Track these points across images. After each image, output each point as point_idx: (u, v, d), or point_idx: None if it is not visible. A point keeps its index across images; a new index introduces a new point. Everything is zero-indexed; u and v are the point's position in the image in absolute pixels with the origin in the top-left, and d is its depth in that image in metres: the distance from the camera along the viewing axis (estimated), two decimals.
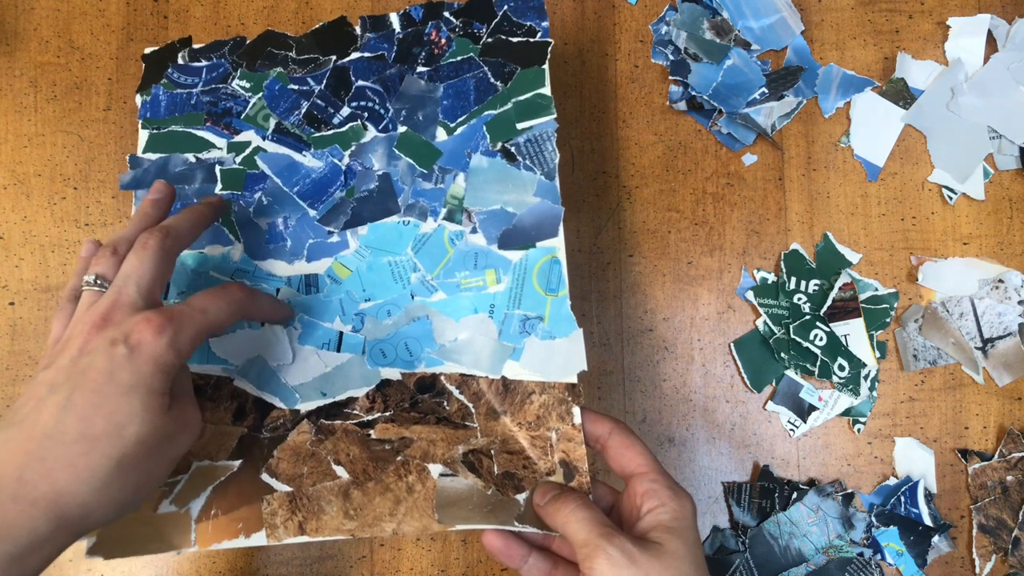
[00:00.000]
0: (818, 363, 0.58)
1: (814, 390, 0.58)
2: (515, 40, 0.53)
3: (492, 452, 0.47)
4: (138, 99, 0.55)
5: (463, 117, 0.52)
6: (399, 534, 0.45)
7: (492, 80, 0.52)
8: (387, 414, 0.48)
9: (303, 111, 0.54)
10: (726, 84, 0.60)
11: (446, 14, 0.54)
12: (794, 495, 0.57)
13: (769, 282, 0.59)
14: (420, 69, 0.53)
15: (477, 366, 0.48)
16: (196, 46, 0.56)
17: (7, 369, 0.58)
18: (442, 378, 0.48)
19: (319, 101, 0.54)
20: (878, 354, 0.58)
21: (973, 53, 0.62)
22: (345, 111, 0.53)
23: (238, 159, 0.53)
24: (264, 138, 0.54)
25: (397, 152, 0.52)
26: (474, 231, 0.50)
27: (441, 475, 0.46)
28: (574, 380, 0.47)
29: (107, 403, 0.36)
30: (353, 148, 0.53)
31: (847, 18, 0.62)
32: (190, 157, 0.53)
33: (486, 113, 0.52)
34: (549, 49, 0.52)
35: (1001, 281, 0.59)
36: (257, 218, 0.52)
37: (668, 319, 0.59)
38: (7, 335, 0.58)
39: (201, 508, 0.46)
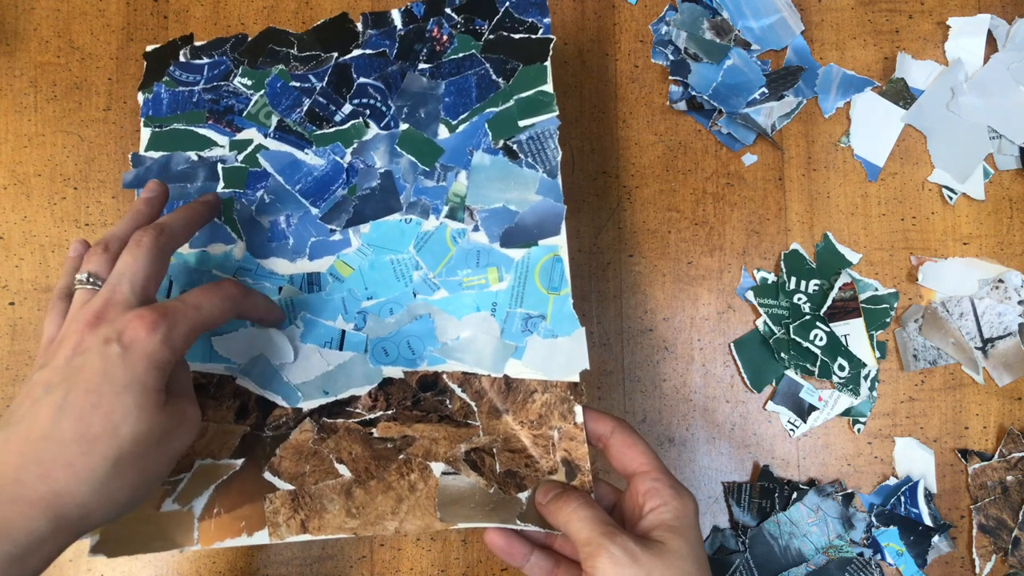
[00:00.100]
0: (818, 363, 0.58)
1: (814, 390, 0.58)
2: (517, 37, 0.53)
3: (494, 450, 0.47)
4: (140, 97, 0.56)
5: (465, 114, 0.52)
6: (401, 532, 0.45)
7: (494, 77, 0.53)
8: (389, 412, 0.48)
9: (305, 108, 0.54)
10: (726, 84, 0.60)
11: (448, 10, 0.55)
12: (794, 495, 0.57)
13: (769, 282, 0.59)
14: (422, 66, 0.54)
15: (479, 364, 0.48)
16: (198, 43, 0.57)
17: (7, 369, 0.58)
18: (444, 376, 0.49)
19: (321, 98, 0.54)
20: (878, 354, 0.58)
21: (973, 53, 0.62)
22: (347, 108, 0.54)
23: (240, 157, 0.54)
24: (266, 136, 0.54)
25: (399, 150, 0.52)
26: (476, 229, 0.50)
27: (443, 473, 0.46)
28: (576, 379, 0.47)
29: (103, 402, 0.36)
30: (355, 146, 0.53)
31: (847, 18, 0.62)
32: (192, 155, 0.54)
33: (488, 110, 0.52)
34: (551, 46, 0.52)
35: (1001, 281, 0.59)
36: (259, 216, 0.52)
37: (668, 319, 0.59)
38: (7, 335, 0.58)
39: (204, 506, 0.46)
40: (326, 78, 0.54)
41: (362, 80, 0.54)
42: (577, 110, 0.61)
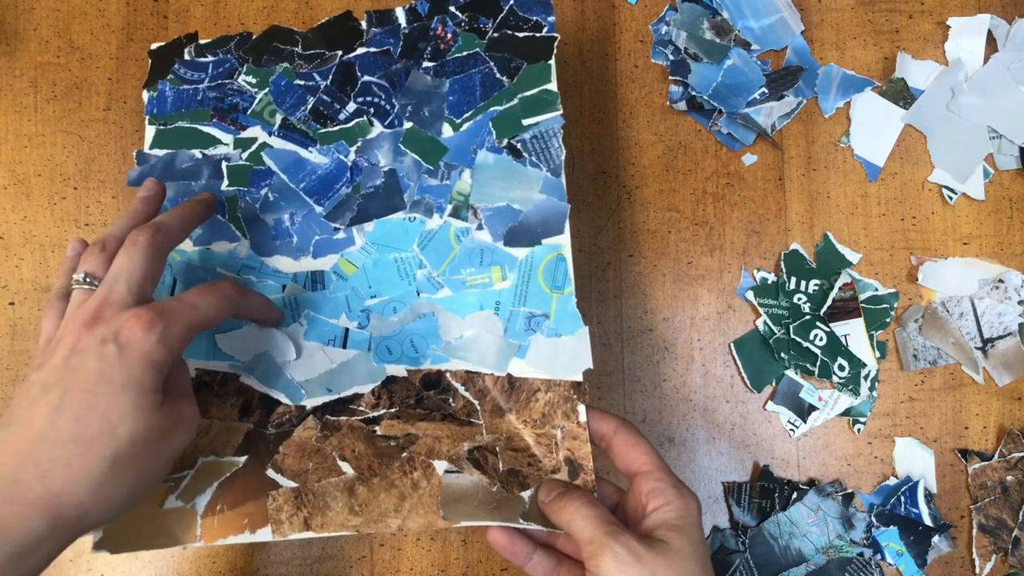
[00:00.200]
0: (818, 363, 0.58)
1: (814, 390, 0.58)
2: (521, 35, 0.54)
3: (497, 449, 0.47)
4: (145, 94, 0.56)
5: (469, 113, 0.53)
6: (404, 530, 0.45)
7: (498, 75, 0.53)
8: (393, 410, 0.49)
9: (309, 107, 0.54)
10: (726, 84, 0.60)
11: (452, 9, 0.55)
12: (794, 495, 0.57)
13: (769, 282, 0.59)
14: (426, 64, 0.54)
15: (483, 363, 0.49)
16: (202, 41, 0.58)
17: (7, 369, 0.58)
18: (448, 375, 0.49)
19: (325, 97, 0.55)
20: (878, 354, 0.58)
21: (973, 53, 0.63)
22: (351, 107, 0.54)
23: (244, 155, 0.54)
24: (270, 134, 0.54)
25: (403, 148, 0.53)
26: (480, 228, 0.51)
27: (446, 472, 0.47)
28: (579, 378, 0.48)
29: (99, 403, 0.36)
30: (359, 144, 0.53)
31: (847, 18, 0.62)
32: (196, 153, 0.54)
33: (492, 109, 0.52)
34: (556, 44, 0.53)
35: (1001, 281, 0.59)
36: (263, 214, 0.53)
37: (668, 319, 0.59)
38: (7, 335, 0.58)
39: (207, 503, 0.46)
40: (330, 76, 0.55)
41: (366, 78, 0.54)
42: (577, 110, 0.62)
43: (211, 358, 0.50)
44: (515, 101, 0.52)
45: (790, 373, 0.59)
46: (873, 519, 0.58)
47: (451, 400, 0.49)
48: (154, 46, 0.58)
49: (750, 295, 0.60)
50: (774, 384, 0.60)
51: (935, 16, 0.64)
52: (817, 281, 0.60)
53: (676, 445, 0.59)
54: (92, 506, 0.36)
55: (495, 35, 0.54)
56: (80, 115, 0.61)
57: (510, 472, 0.47)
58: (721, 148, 0.62)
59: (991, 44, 0.64)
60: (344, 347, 0.50)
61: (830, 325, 0.59)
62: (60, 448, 0.35)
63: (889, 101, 0.63)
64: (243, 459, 0.47)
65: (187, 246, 0.52)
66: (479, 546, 0.58)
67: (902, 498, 0.58)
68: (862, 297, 0.60)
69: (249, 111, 0.55)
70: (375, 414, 0.48)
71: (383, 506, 0.46)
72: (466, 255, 0.50)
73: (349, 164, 0.53)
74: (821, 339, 0.59)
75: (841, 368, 0.59)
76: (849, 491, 0.58)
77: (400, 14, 0.56)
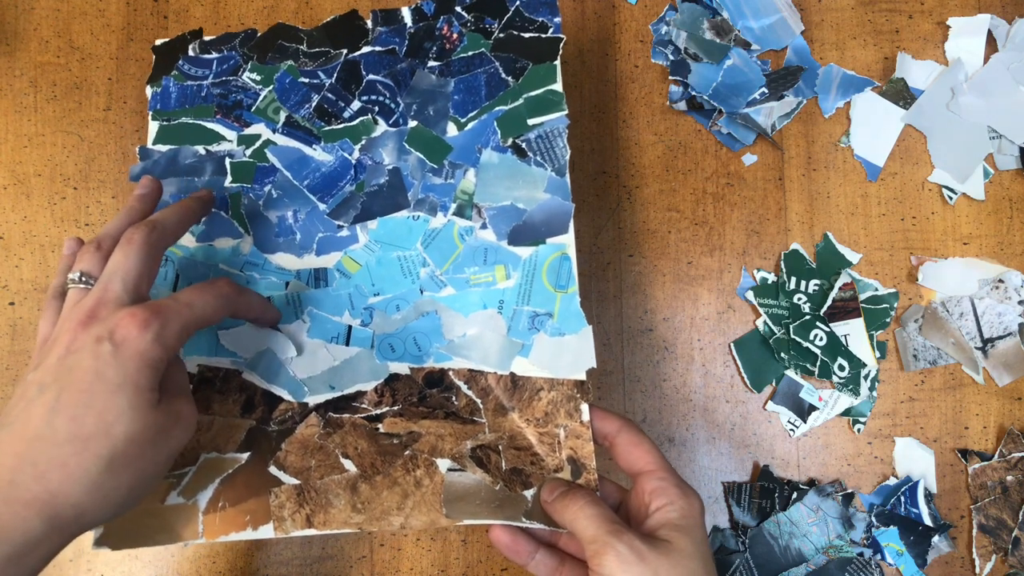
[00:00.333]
0: (818, 363, 0.58)
1: (814, 390, 0.58)
2: (527, 36, 0.54)
3: (500, 448, 0.48)
4: (148, 90, 0.57)
5: (474, 112, 0.53)
6: (407, 528, 0.45)
7: (503, 75, 0.54)
8: (395, 408, 0.49)
9: (313, 104, 0.55)
10: (726, 84, 0.60)
11: (458, 8, 0.56)
12: (794, 495, 0.57)
13: (769, 282, 0.59)
14: (431, 64, 0.55)
15: (486, 362, 0.49)
16: (207, 38, 0.58)
17: (7, 369, 0.58)
18: (450, 373, 0.50)
19: (329, 95, 0.55)
20: (878, 354, 0.58)
21: (973, 53, 0.63)
22: (356, 105, 0.55)
23: (248, 152, 0.55)
24: (274, 131, 0.55)
25: (407, 147, 0.53)
26: (484, 227, 0.51)
27: (449, 470, 0.47)
28: (583, 377, 0.48)
29: (96, 402, 0.36)
30: (363, 142, 0.54)
31: (847, 18, 0.62)
32: (200, 149, 0.55)
33: (497, 108, 0.53)
34: (561, 45, 0.53)
35: (1001, 281, 0.59)
36: (267, 211, 0.53)
37: (668, 319, 0.58)
38: (7, 335, 0.58)
39: (209, 500, 0.47)
40: (335, 74, 0.55)
41: (371, 77, 0.55)
42: (577, 110, 0.62)
43: (214, 354, 0.50)
44: (520, 101, 0.53)
45: (790, 373, 0.59)
46: (873, 519, 0.58)
47: (454, 398, 0.49)
48: (158, 42, 0.58)
49: (750, 295, 0.60)
50: (774, 384, 0.60)
51: (935, 16, 0.64)
52: (817, 281, 0.60)
53: (676, 445, 0.59)
54: (89, 506, 0.36)
55: (501, 35, 0.54)
56: (80, 115, 0.62)
57: (513, 471, 0.47)
58: (721, 148, 0.62)
59: (991, 44, 0.64)
60: (347, 344, 0.50)
61: (830, 325, 0.59)
62: (56, 448, 0.35)
63: (889, 101, 0.63)
64: (245, 456, 0.48)
65: (190, 242, 0.53)
66: (479, 546, 0.58)
67: (902, 498, 0.58)
68: (862, 297, 0.60)
69: (253, 108, 0.55)
70: (378, 412, 0.49)
71: (386, 504, 0.46)
72: (470, 254, 0.51)
73: (353, 162, 0.53)
74: (821, 339, 0.59)
75: (841, 368, 0.59)
76: (849, 491, 0.58)
77: (406, 13, 0.56)
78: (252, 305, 0.46)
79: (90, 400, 0.36)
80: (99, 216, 0.61)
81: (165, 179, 0.54)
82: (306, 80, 0.55)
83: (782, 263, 0.61)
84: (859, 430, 0.59)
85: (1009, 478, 0.59)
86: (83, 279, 0.41)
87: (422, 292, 0.50)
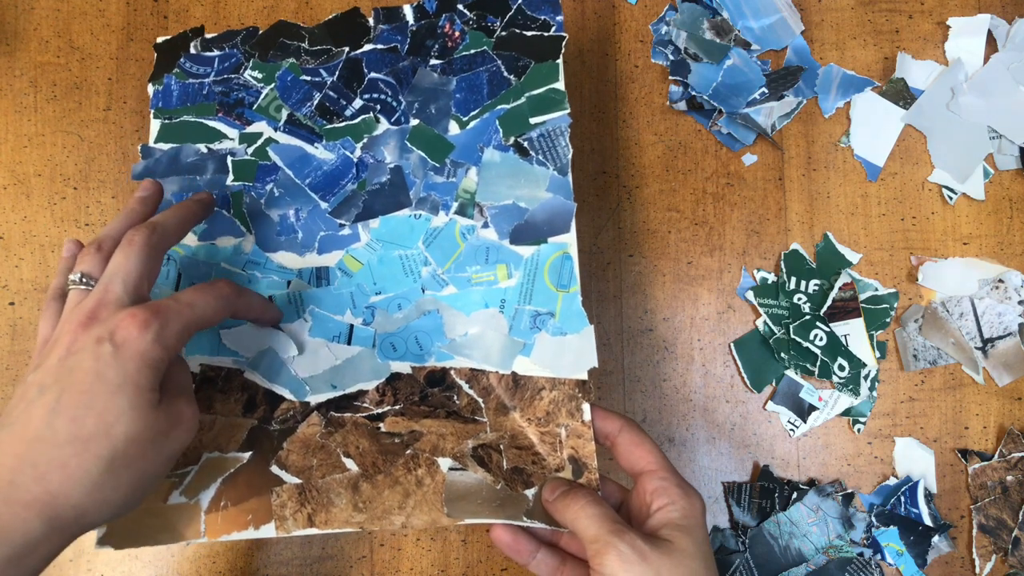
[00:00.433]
0: (818, 363, 0.58)
1: (814, 390, 0.58)
2: (529, 34, 0.54)
3: (501, 447, 0.48)
4: (150, 88, 0.57)
5: (476, 111, 0.53)
6: (408, 527, 0.45)
7: (505, 74, 0.54)
8: (397, 407, 0.49)
9: (315, 102, 0.55)
10: (726, 84, 0.61)
11: (460, 7, 0.56)
12: (794, 495, 0.57)
13: (769, 282, 0.59)
14: (433, 62, 0.55)
15: (487, 361, 0.50)
16: (208, 36, 0.59)
17: (7, 369, 0.58)
18: (452, 372, 0.50)
19: (331, 93, 0.55)
20: (878, 354, 0.58)
21: (973, 53, 0.63)
22: (357, 103, 0.55)
23: (250, 150, 0.55)
24: (276, 129, 0.55)
25: (409, 145, 0.53)
26: (486, 226, 0.51)
27: (450, 469, 0.47)
28: (584, 376, 0.48)
29: (96, 403, 0.36)
30: (365, 140, 0.54)
31: (847, 18, 0.62)
32: (202, 147, 0.55)
33: (499, 107, 0.53)
34: (564, 44, 0.54)
35: (1001, 281, 0.59)
36: (268, 210, 0.53)
37: (668, 319, 0.58)
38: (7, 335, 0.58)
39: (211, 499, 0.47)
40: (337, 72, 0.56)
41: (373, 75, 0.55)
42: (577, 110, 0.62)
43: (215, 354, 0.50)
44: (522, 100, 0.53)
45: (790, 373, 0.59)
46: (873, 519, 0.58)
47: (455, 397, 0.49)
48: (160, 40, 0.59)
49: (750, 295, 0.60)
50: (774, 384, 0.60)
51: (935, 16, 0.64)
52: (817, 281, 0.60)
53: (676, 445, 0.59)
54: (89, 506, 0.36)
55: (503, 34, 0.55)
56: (80, 115, 0.62)
57: (514, 470, 0.47)
58: (721, 148, 0.62)
59: (991, 44, 0.65)
60: (349, 343, 0.50)
61: (830, 325, 0.59)
62: (57, 449, 0.35)
63: (889, 101, 0.63)
64: (247, 455, 0.48)
65: (192, 241, 0.53)
66: (479, 546, 0.58)
67: (902, 498, 0.58)
68: (862, 297, 0.60)
69: (255, 106, 0.55)
70: (379, 411, 0.49)
71: (387, 503, 0.46)
72: (471, 253, 0.51)
73: (355, 160, 0.53)
74: (821, 339, 0.59)
75: (841, 368, 0.59)
76: (849, 491, 0.58)
77: (408, 11, 0.56)
78: (252, 305, 0.47)
79: (90, 401, 0.36)
80: (99, 216, 0.61)
81: (167, 177, 0.54)
82: (308, 78, 0.55)
83: (782, 263, 0.61)
84: (859, 430, 0.60)
85: (1009, 478, 0.59)
86: (84, 280, 0.41)
87: (424, 291, 0.51)
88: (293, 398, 0.49)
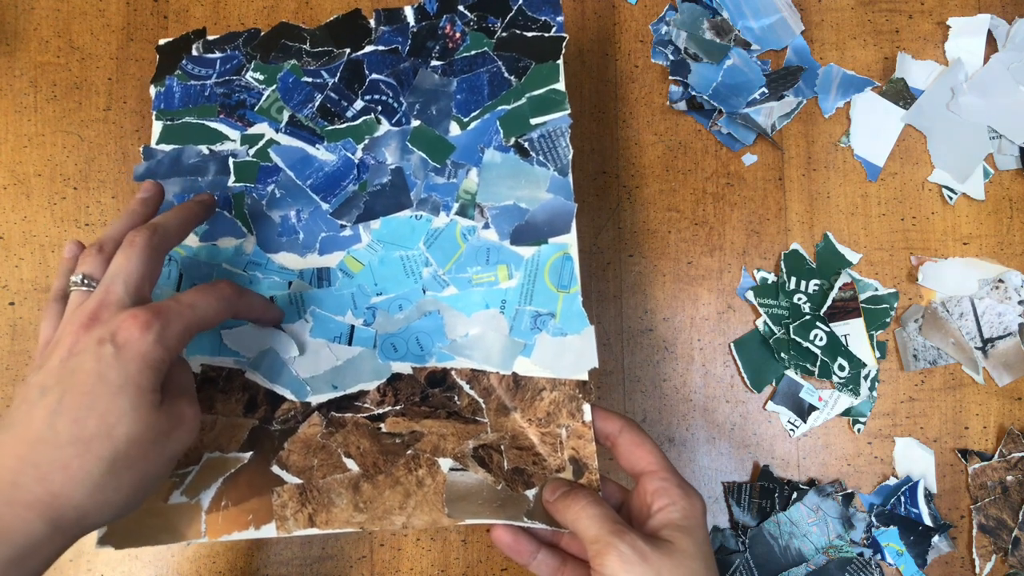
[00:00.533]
0: (818, 363, 0.58)
1: (814, 390, 0.58)
2: (530, 35, 0.55)
3: (502, 447, 0.48)
4: (152, 90, 0.57)
5: (477, 112, 0.54)
6: (408, 527, 0.46)
7: (506, 75, 0.54)
8: (398, 408, 0.49)
9: (317, 104, 0.55)
10: (726, 84, 0.61)
11: (461, 8, 0.56)
12: (794, 495, 0.57)
13: (769, 282, 0.59)
14: (434, 63, 0.55)
15: (488, 362, 0.50)
16: (210, 38, 0.59)
17: (7, 369, 0.58)
18: (453, 373, 0.50)
19: (333, 94, 0.56)
20: (878, 354, 0.59)
21: (973, 53, 0.63)
22: (359, 104, 0.55)
23: (251, 151, 0.55)
24: (277, 131, 0.55)
25: (410, 146, 0.54)
26: (486, 226, 0.52)
27: (451, 469, 0.48)
28: (585, 377, 0.49)
29: (98, 404, 0.37)
30: (366, 142, 0.54)
31: (847, 18, 0.63)
32: (203, 149, 0.55)
33: (500, 108, 0.53)
34: (564, 44, 0.54)
35: (1001, 281, 0.59)
36: (270, 211, 0.54)
37: (668, 319, 0.59)
38: (7, 335, 0.58)
39: (211, 499, 0.47)
40: (338, 74, 0.56)
41: (374, 76, 0.55)
42: (577, 110, 0.63)
43: (217, 354, 0.50)
44: (523, 100, 0.53)
45: (790, 373, 0.60)
46: (873, 519, 0.58)
47: (456, 398, 0.49)
48: (162, 41, 0.59)
49: (750, 295, 0.60)
50: (774, 384, 0.60)
51: (935, 16, 0.64)
52: (817, 281, 0.60)
53: (676, 445, 0.59)
54: (91, 507, 0.36)
55: (503, 34, 0.55)
56: (80, 115, 0.62)
57: (515, 470, 0.47)
58: (721, 148, 0.62)
59: (991, 44, 0.65)
60: (350, 344, 0.50)
61: (830, 325, 0.59)
62: (59, 450, 0.35)
63: (889, 101, 0.63)
64: (248, 455, 0.48)
65: (193, 242, 0.53)
66: (479, 546, 0.59)
67: (902, 498, 0.58)
68: (862, 297, 0.60)
69: (256, 107, 0.56)
70: (380, 411, 0.49)
71: (388, 503, 0.47)
72: (472, 253, 0.51)
73: (356, 161, 0.54)
74: (821, 339, 0.59)
75: (841, 368, 0.59)
76: (849, 491, 0.58)
77: (409, 13, 0.57)
78: (253, 306, 0.47)
79: (92, 402, 0.36)
80: (99, 216, 0.61)
81: (169, 179, 0.54)
82: (309, 79, 0.56)
83: (782, 263, 0.61)
84: (859, 430, 0.60)
85: (1009, 478, 0.59)
86: (85, 282, 0.41)
87: (425, 292, 0.51)
88: (294, 398, 0.49)
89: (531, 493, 0.46)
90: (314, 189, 0.53)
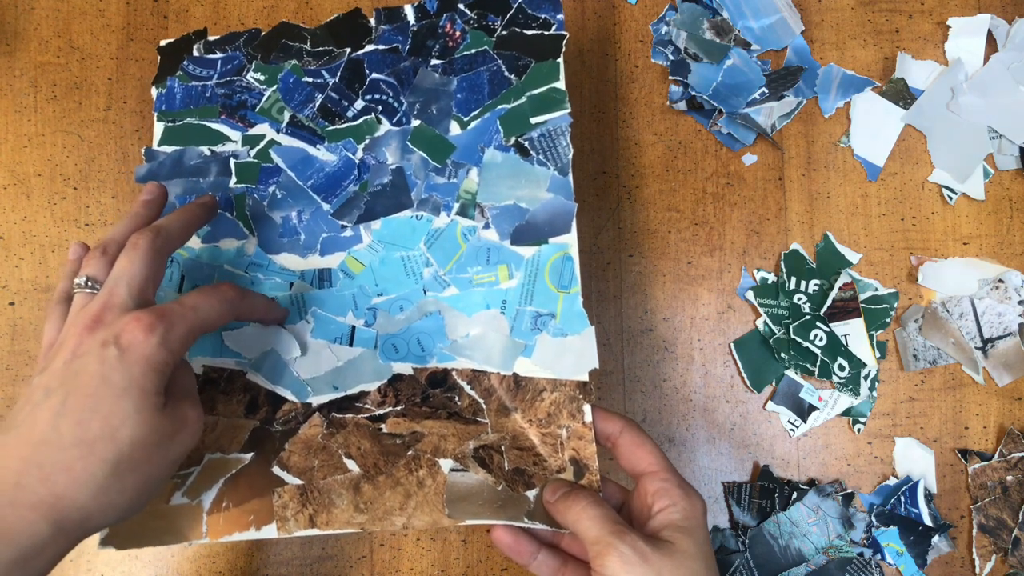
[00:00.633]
0: (818, 363, 0.58)
1: (814, 390, 0.58)
2: (530, 33, 0.55)
3: (503, 448, 0.48)
4: (153, 91, 0.58)
5: (477, 111, 0.54)
6: (409, 528, 0.46)
7: (506, 74, 0.54)
8: (398, 408, 0.50)
9: (317, 104, 0.56)
10: (726, 84, 0.61)
11: (461, 6, 0.56)
12: (794, 495, 0.58)
13: (769, 282, 0.60)
14: (434, 62, 0.55)
15: (488, 362, 0.50)
16: (211, 38, 0.59)
17: (7, 369, 0.58)
18: (454, 373, 0.50)
19: (333, 94, 0.56)
20: (878, 354, 0.59)
21: (973, 53, 0.64)
22: (359, 104, 0.55)
23: (252, 152, 0.55)
24: (278, 131, 0.55)
25: (411, 146, 0.54)
26: (487, 226, 0.52)
27: (452, 470, 0.48)
28: (585, 378, 0.49)
29: (101, 406, 0.37)
30: (367, 142, 0.54)
31: (847, 18, 0.63)
32: (205, 150, 0.56)
33: (500, 107, 0.54)
34: (564, 42, 0.54)
35: (1001, 281, 0.59)
36: (271, 212, 0.54)
37: (668, 319, 0.59)
38: (7, 335, 0.59)
39: (212, 500, 0.47)
40: (339, 73, 0.56)
41: (374, 76, 0.56)
42: (577, 110, 0.63)
43: (218, 355, 0.51)
44: (523, 99, 0.53)
45: (790, 373, 0.60)
46: (873, 519, 0.59)
47: (457, 399, 0.50)
48: (163, 42, 0.59)
49: (750, 295, 0.61)
50: (774, 384, 0.61)
51: (935, 16, 0.65)
52: (817, 281, 0.61)
53: (676, 445, 0.60)
54: (95, 509, 0.36)
55: (503, 33, 0.55)
56: (80, 115, 0.62)
57: (515, 471, 0.48)
58: (721, 148, 0.62)
59: (991, 44, 0.65)
60: (351, 345, 0.51)
61: (830, 325, 0.60)
62: (62, 452, 0.36)
63: (889, 101, 0.63)
64: (249, 456, 0.48)
65: (195, 243, 0.53)
66: (479, 546, 0.59)
67: (902, 498, 0.59)
68: (862, 297, 0.60)
69: (257, 108, 0.56)
70: (381, 412, 0.49)
71: (388, 504, 0.47)
72: (473, 254, 0.51)
73: (357, 162, 0.54)
74: (821, 339, 0.59)
75: (841, 368, 0.59)
76: (849, 491, 0.59)
77: (409, 11, 0.57)
78: (256, 307, 0.47)
79: (96, 404, 0.36)
80: (99, 216, 0.61)
81: (170, 180, 0.55)
82: (310, 79, 0.56)
83: (782, 263, 0.62)
84: (859, 430, 0.60)
85: (1009, 478, 0.59)
86: (89, 284, 0.42)
87: (425, 292, 0.51)
88: (295, 399, 0.50)
89: (532, 494, 0.47)
90: (315, 190, 0.53)
